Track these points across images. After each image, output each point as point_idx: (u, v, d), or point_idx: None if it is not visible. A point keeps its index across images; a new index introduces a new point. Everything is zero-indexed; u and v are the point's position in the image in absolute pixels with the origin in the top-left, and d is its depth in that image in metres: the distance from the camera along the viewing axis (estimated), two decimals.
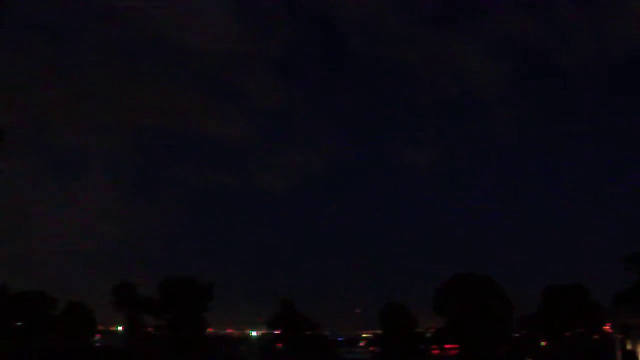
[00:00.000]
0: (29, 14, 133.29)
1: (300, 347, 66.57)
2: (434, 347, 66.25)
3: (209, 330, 68.03)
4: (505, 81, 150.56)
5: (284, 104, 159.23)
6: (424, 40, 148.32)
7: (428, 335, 68.27)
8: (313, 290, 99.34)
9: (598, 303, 60.37)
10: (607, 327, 55.76)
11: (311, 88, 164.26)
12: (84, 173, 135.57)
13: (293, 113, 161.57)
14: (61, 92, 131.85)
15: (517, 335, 64.70)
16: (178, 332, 62.91)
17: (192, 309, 63.71)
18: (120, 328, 72.82)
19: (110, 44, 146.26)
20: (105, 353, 59.08)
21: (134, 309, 63.86)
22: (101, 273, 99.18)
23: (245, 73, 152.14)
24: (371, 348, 71.12)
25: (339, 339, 77.84)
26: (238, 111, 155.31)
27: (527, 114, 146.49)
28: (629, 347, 41.27)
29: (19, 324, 62.03)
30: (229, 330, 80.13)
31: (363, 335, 78.60)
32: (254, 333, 77.68)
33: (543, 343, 63.97)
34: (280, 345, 68.53)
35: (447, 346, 64.53)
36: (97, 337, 69.36)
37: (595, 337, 60.36)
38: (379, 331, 69.53)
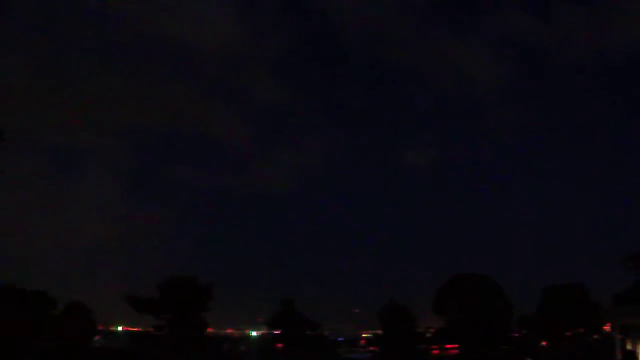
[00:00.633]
0: (28, 14, 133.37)
1: (300, 347, 66.56)
2: (434, 347, 66.23)
3: (209, 330, 68.02)
4: (504, 82, 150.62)
5: (284, 104, 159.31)
6: (423, 40, 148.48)
7: (428, 335, 68.25)
8: (313, 290, 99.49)
9: (598, 303, 60.41)
10: (607, 327, 55.76)
11: (311, 88, 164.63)
12: (84, 173, 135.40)
13: (293, 113, 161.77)
14: (61, 92, 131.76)
15: (517, 335, 64.67)
16: (178, 332, 62.88)
17: (192, 309, 63.68)
18: (120, 328, 72.94)
19: (110, 44, 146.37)
20: (105, 353, 59.09)
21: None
22: (101, 273, 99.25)
23: (245, 73, 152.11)
24: (371, 348, 71.12)
25: (339, 339, 77.85)
26: (238, 111, 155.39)
27: (527, 115, 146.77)
28: (629, 347, 41.26)
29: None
30: (229, 330, 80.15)
31: (363, 335, 78.61)
32: (254, 333, 77.67)
33: (543, 343, 63.97)
34: (280, 345, 68.50)
35: (447, 346, 64.53)
36: (97, 337, 69.32)
37: (595, 337, 60.35)
38: (379, 331, 69.54)
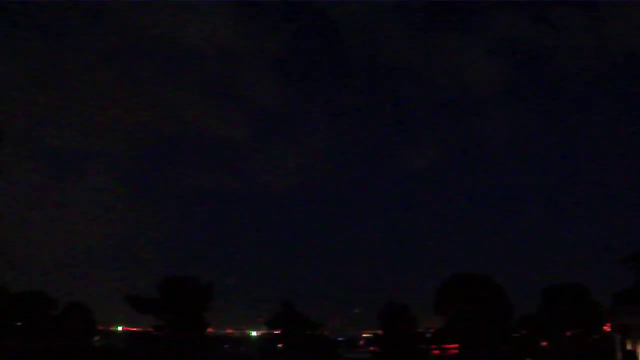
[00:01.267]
0: (27, 14, 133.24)
1: (300, 347, 66.54)
2: (434, 347, 66.18)
3: (209, 330, 68.01)
4: (503, 82, 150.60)
5: (283, 104, 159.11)
6: (422, 41, 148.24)
7: (428, 335, 68.21)
8: (313, 290, 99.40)
9: (598, 303, 60.41)
10: (607, 327, 55.78)
11: (310, 88, 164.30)
12: (83, 173, 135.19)
13: (292, 113, 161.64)
14: (60, 92, 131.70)
15: (517, 335, 64.63)
16: (178, 332, 62.87)
17: (192, 309, 63.68)
18: (120, 328, 72.94)
19: (109, 44, 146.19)
20: (105, 353, 59.11)
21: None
22: (101, 273, 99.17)
23: (245, 73, 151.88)
24: (371, 348, 71.07)
25: (339, 339, 77.83)
26: (237, 111, 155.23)
27: (525, 115, 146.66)
28: (629, 347, 41.32)
29: (19, 324, 62.04)
30: (229, 330, 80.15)
31: (363, 335, 78.58)
32: (254, 333, 77.66)
33: (543, 343, 63.95)
34: (281, 345, 68.48)
35: (447, 346, 64.48)
36: (97, 337, 69.33)
37: (595, 337, 60.34)
38: (379, 331, 69.50)
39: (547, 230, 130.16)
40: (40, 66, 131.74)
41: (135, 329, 70.92)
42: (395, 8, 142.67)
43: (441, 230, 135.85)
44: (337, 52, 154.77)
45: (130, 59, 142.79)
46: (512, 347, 62.59)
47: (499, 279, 63.66)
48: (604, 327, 57.85)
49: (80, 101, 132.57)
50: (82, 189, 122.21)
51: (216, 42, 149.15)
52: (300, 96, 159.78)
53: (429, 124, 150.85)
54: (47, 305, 63.96)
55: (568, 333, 61.98)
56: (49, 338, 62.49)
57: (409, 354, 63.86)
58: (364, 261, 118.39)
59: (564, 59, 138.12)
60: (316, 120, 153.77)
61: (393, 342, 65.17)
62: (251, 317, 79.79)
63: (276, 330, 70.06)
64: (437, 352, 65.58)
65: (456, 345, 62.96)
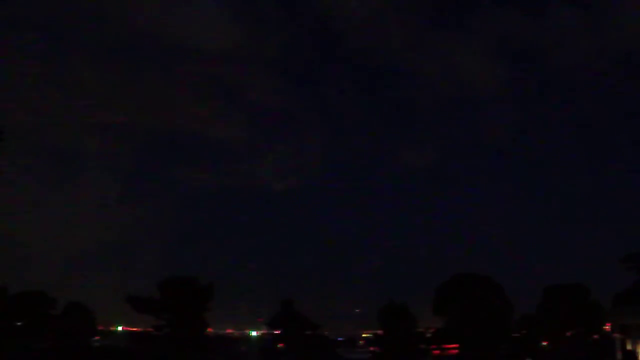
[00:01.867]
0: (27, 14, 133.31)
1: (300, 347, 66.53)
2: (434, 347, 66.17)
3: (209, 330, 68.00)
4: (501, 81, 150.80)
5: (282, 104, 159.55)
6: (421, 41, 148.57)
7: (428, 335, 68.20)
8: (313, 290, 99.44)
9: (598, 303, 60.40)
10: (607, 327, 55.79)
11: (309, 88, 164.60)
12: (83, 173, 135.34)
13: (290, 112, 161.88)
14: (59, 92, 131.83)
15: (517, 335, 64.62)
16: (178, 332, 62.85)
17: (192, 309, 63.64)
18: (120, 328, 72.96)
19: (109, 44, 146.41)
20: (105, 353, 59.06)
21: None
22: (101, 273, 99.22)
23: (244, 73, 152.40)
24: (371, 348, 71.06)
25: (339, 339, 77.83)
26: (236, 111, 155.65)
27: (524, 114, 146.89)
28: (629, 347, 41.34)
29: (19, 324, 62.03)
30: (228, 330, 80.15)
31: (363, 335, 78.59)
32: (254, 333, 77.67)
33: (543, 343, 63.94)
34: (282, 345, 68.45)
35: (447, 346, 64.46)
36: (97, 337, 69.32)
37: (595, 337, 60.34)
38: (379, 331, 69.48)
39: (547, 230, 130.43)
40: (41, 66, 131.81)
41: (135, 329, 70.95)
42: (394, 8, 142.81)
43: (441, 230, 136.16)
44: (336, 52, 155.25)
45: (129, 59, 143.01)
46: (513, 347, 62.60)
47: (499, 279, 63.71)
48: (604, 327, 57.89)
49: (80, 101, 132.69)
50: (81, 189, 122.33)
51: (216, 43, 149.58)
52: (300, 96, 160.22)
53: (428, 124, 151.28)
54: (47, 305, 63.96)
55: (568, 333, 61.99)
56: (49, 338, 62.51)
57: (409, 354, 63.83)
58: (364, 261, 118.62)
59: (563, 58, 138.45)
60: (315, 120, 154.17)
61: (393, 342, 65.14)
62: (251, 317, 79.88)
63: (276, 330, 70.05)
64: (437, 352, 65.56)
65: (456, 345, 62.94)
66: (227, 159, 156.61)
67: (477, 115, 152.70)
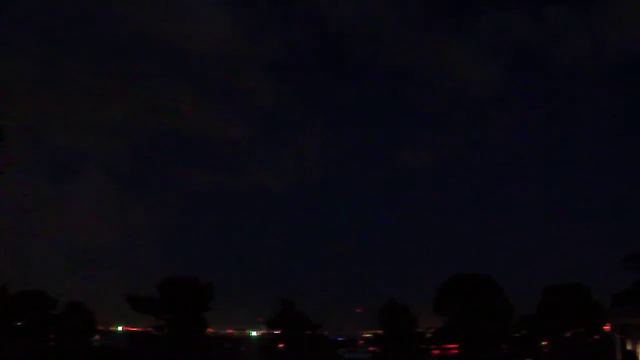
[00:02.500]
0: (26, 15, 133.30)
1: (300, 347, 66.54)
2: (434, 347, 66.20)
3: (209, 330, 67.99)
4: (500, 82, 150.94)
5: (281, 104, 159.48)
6: (419, 41, 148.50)
7: (428, 335, 68.23)
8: (313, 290, 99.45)
9: (598, 303, 60.40)
10: (607, 327, 55.79)
11: (307, 88, 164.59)
12: (82, 173, 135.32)
13: (290, 113, 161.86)
14: (59, 93, 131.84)
15: (517, 335, 64.65)
16: (178, 332, 62.84)
17: (192, 309, 63.64)
18: (120, 328, 72.95)
19: (107, 45, 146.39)
20: (105, 353, 59.05)
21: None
22: (101, 273, 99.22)
23: (242, 73, 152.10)
24: (371, 348, 71.08)
25: (339, 339, 77.82)
26: (235, 111, 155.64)
27: (523, 115, 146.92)
28: (629, 347, 41.30)
29: (19, 324, 62.03)
30: (229, 331, 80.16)
31: (363, 335, 78.59)
32: (254, 333, 77.68)
33: (543, 343, 63.95)
34: (282, 345, 68.47)
35: (447, 346, 64.48)
36: (97, 337, 69.32)
37: (595, 337, 60.34)
38: (379, 331, 69.51)
39: (547, 230, 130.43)
40: (40, 66, 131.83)
41: (135, 329, 70.93)
42: (393, 9, 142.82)
43: (441, 230, 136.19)
44: (335, 52, 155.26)
45: (128, 60, 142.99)
46: (512, 347, 62.62)
47: (499, 279, 63.72)
48: (604, 327, 57.87)
49: (80, 101, 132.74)
50: (81, 189, 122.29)
51: (214, 42, 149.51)
52: (298, 96, 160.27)
53: (427, 124, 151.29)
54: (47, 305, 63.96)
55: (568, 333, 62.00)
56: (49, 338, 62.52)
57: (409, 354, 63.84)
58: (364, 261, 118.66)
59: (562, 59, 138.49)
60: (314, 121, 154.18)
61: (393, 342, 65.16)
62: (251, 317, 79.87)
63: (276, 330, 70.05)
64: (437, 352, 65.59)
65: (456, 345, 62.97)
66: (227, 159, 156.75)
67: (477, 115, 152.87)
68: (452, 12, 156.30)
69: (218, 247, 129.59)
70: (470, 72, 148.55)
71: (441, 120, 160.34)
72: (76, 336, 62.30)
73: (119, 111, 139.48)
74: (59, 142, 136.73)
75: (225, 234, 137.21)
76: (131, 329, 71.91)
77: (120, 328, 72.78)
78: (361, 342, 77.48)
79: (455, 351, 62.93)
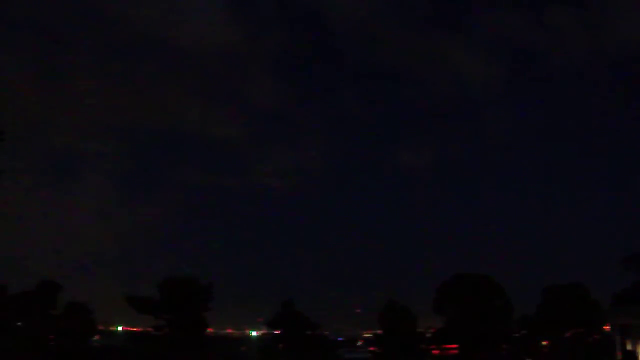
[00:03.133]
0: (26, 16, 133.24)
1: (300, 347, 66.46)
2: (434, 347, 66.16)
3: (209, 330, 67.92)
4: (499, 82, 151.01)
5: (281, 104, 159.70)
6: (418, 41, 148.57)
7: (428, 335, 68.19)
8: (313, 290, 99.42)
9: (598, 303, 60.36)
10: (607, 327, 55.78)
11: (307, 88, 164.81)
12: (82, 174, 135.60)
13: (289, 113, 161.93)
14: (58, 93, 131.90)
15: (517, 335, 64.62)
16: (178, 332, 62.79)
17: (192, 309, 63.60)
18: (120, 328, 72.89)
19: (107, 45, 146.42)
20: (105, 353, 59.06)
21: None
22: (101, 273, 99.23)
23: (242, 73, 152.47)
24: (371, 348, 71.03)
25: (339, 339, 77.76)
26: (235, 111, 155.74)
27: (522, 115, 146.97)
28: (629, 347, 41.32)
29: (19, 324, 61.97)
30: (229, 330, 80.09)
31: (363, 335, 78.54)
32: (254, 333, 77.59)
33: (543, 343, 63.91)
34: (283, 345, 68.38)
35: (447, 346, 64.45)
36: (97, 337, 69.26)
37: (595, 337, 60.31)
38: (379, 331, 69.46)
39: (547, 230, 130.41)
40: (40, 67, 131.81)
41: (135, 329, 70.87)
42: (392, 9, 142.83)
43: (441, 230, 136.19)
44: (334, 53, 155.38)
45: (127, 60, 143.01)
46: (512, 347, 62.58)
47: (499, 279, 63.68)
48: (604, 327, 57.88)
49: (80, 101, 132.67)
50: (81, 189, 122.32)
51: (214, 43, 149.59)
52: (298, 96, 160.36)
53: (427, 124, 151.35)
54: (47, 305, 63.88)
55: (568, 333, 61.97)
56: (49, 338, 62.46)
57: (409, 354, 63.80)
58: (363, 261, 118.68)
59: (560, 59, 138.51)
60: (314, 121, 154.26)
61: (393, 342, 65.10)
62: (251, 317, 79.81)
63: (276, 330, 69.96)
64: (437, 352, 65.55)
65: (456, 346, 62.94)
66: (227, 159, 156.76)
67: (476, 115, 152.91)
68: (452, 12, 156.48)
69: (218, 247, 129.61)
70: (470, 72, 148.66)
71: (441, 120, 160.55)
72: (76, 336, 62.24)
73: (118, 112, 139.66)
74: (60, 142, 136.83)
75: (226, 234, 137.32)
76: (131, 329, 71.84)
77: (120, 328, 72.71)
78: (361, 342, 77.44)
79: (455, 351, 62.91)
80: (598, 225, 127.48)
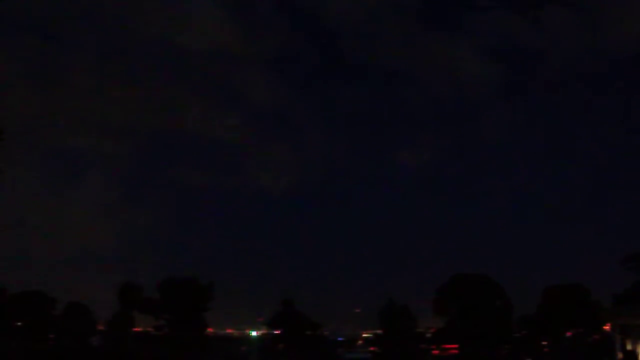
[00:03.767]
0: (25, 15, 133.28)
1: (300, 347, 66.47)
2: (434, 347, 66.17)
3: (210, 330, 67.92)
4: (498, 83, 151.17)
5: (280, 104, 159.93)
6: (417, 42, 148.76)
7: (428, 335, 68.18)
8: (313, 290, 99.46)
9: (598, 303, 60.36)
10: (607, 327, 55.74)
11: (306, 88, 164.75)
12: (82, 174, 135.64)
13: (288, 113, 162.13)
14: (58, 93, 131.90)
15: (517, 335, 64.63)
16: (178, 332, 62.81)
17: (192, 309, 63.61)
18: None
19: (108, 45, 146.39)
20: (105, 353, 58.99)
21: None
22: (101, 273, 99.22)
23: (241, 73, 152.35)
24: (371, 348, 71.03)
25: (339, 339, 77.75)
26: (234, 111, 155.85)
27: (521, 115, 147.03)
28: (629, 347, 41.24)
29: (19, 324, 62.01)
30: (229, 330, 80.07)
31: (363, 335, 78.53)
32: (254, 333, 77.57)
33: (543, 343, 63.91)
34: (283, 345, 68.37)
35: (447, 346, 64.45)
36: (97, 337, 69.21)
37: (595, 337, 60.32)
38: (379, 331, 69.47)
39: (547, 230, 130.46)
40: (40, 66, 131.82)
41: (135, 329, 70.84)
42: (392, 10, 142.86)
43: (441, 230, 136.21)
44: (334, 53, 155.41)
45: (127, 60, 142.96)
46: (512, 347, 62.57)
47: (499, 279, 63.69)
48: (604, 327, 57.84)
49: (80, 101, 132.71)
50: (81, 189, 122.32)
51: (213, 42, 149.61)
52: (298, 97, 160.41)
53: (426, 125, 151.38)
54: (47, 305, 63.93)
55: (568, 333, 61.97)
56: (49, 338, 62.49)
57: (409, 354, 63.81)
58: (363, 261, 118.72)
59: (559, 60, 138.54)
60: (314, 121, 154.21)
61: (393, 342, 65.11)
62: (251, 317, 79.79)
63: (276, 330, 69.97)
64: (437, 352, 65.56)
65: (456, 346, 62.93)
66: (226, 159, 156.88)
67: (475, 115, 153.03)
68: (452, 12, 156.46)
69: (218, 247, 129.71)
70: (469, 72, 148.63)
71: (441, 120, 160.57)
72: (76, 336, 62.26)
73: (118, 112, 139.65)
74: (60, 142, 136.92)
75: (225, 234, 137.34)
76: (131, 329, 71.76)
77: None
78: (360, 342, 77.43)
79: (455, 351, 62.91)
80: (598, 225, 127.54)
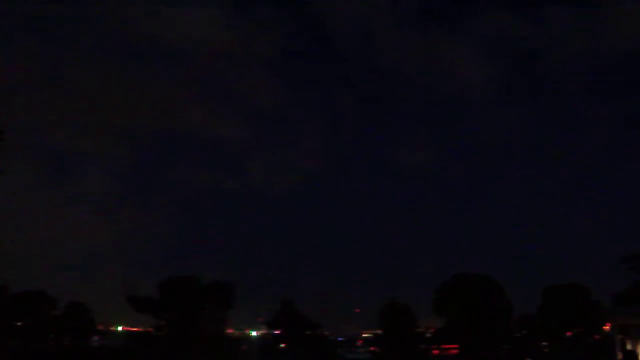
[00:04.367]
0: (26, 15, 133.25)
1: (300, 347, 66.49)
2: (434, 347, 66.16)
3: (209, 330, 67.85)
4: (497, 82, 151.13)
5: (279, 104, 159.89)
6: (417, 41, 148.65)
7: (428, 335, 68.18)
8: (313, 290, 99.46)
9: (598, 303, 60.35)
10: (607, 327, 55.70)
11: (307, 88, 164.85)
12: (83, 173, 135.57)
13: (288, 113, 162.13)
14: (58, 94, 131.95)
15: (517, 335, 64.62)
16: (178, 332, 62.79)
17: (192, 309, 63.58)
18: (120, 328, 72.90)
19: (108, 45, 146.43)
20: (105, 353, 59.05)
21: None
22: (101, 273, 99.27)
23: (241, 74, 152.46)
24: (371, 348, 71.05)
25: (339, 339, 77.77)
26: (234, 112, 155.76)
27: (520, 114, 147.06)
28: (629, 347, 41.23)
29: (19, 324, 62.02)
30: (229, 330, 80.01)
31: (363, 335, 78.54)
32: (254, 333, 77.58)
33: (543, 343, 63.92)
34: (284, 345, 68.39)
35: (447, 346, 64.44)
36: (97, 337, 69.28)
37: (596, 337, 60.31)
38: (379, 331, 69.48)
39: (547, 230, 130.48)
40: (40, 67, 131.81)
41: (135, 329, 70.90)
42: (391, 10, 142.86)
43: (441, 231, 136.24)
44: (333, 54, 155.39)
45: (126, 60, 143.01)
46: (512, 347, 62.56)
47: (499, 279, 63.68)
48: (604, 327, 57.82)
49: (80, 101, 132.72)
50: (81, 189, 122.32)
51: (215, 43, 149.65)
52: (297, 97, 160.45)
53: (426, 124, 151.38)
54: (47, 305, 63.95)
55: (568, 333, 61.96)
56: (49, 338, 62.50)
57: (409, 354, 63.81)
58: (363, 261, 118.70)
59: (558, 59, 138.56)
60: (313, 121, 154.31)
61: (393, 342, 65.11)
62: (251, 317, 79.79)
63: (276, 330, 69.99)
64: (437, 352, 65.55)
65: (456, 346, 62.92)
66: (226, 159, 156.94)
67: (474, 115, 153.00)
68: (451, 12, 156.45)
69: (218, 247, 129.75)
70: (468, 72, 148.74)
71: (440, 120, 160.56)
72: (76, 336, 62.29)
73: (118, 112, 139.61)
74: (60, 143, 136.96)
75: (226, 233, 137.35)
76: (131, 329, 71.86)
77: (120, 328, 72.72)
78: (360, 342, 77.44)
79: (455, 351, 62.90)
80: (598, 225, 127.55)
